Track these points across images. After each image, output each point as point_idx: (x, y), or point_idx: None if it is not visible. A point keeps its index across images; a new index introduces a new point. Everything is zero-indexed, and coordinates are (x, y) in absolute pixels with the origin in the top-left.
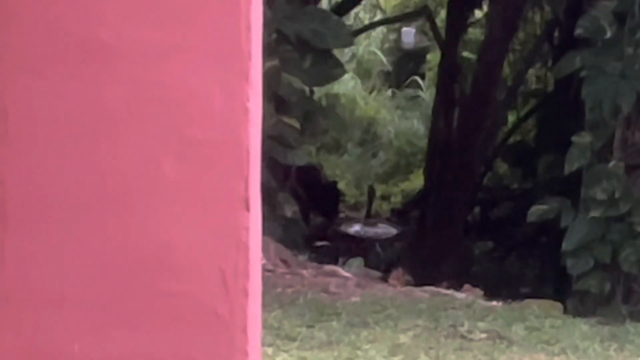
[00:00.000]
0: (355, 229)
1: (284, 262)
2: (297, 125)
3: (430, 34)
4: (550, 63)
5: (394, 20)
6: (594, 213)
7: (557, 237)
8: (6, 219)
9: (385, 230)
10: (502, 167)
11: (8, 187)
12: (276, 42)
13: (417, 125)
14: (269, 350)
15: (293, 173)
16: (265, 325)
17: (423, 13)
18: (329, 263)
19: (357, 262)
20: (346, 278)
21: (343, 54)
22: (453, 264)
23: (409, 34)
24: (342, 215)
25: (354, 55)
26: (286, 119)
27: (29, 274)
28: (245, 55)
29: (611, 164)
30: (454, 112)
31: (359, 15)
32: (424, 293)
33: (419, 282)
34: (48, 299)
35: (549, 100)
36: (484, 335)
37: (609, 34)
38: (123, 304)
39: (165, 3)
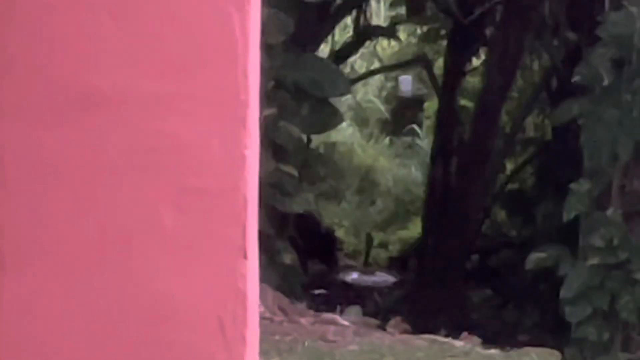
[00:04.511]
0: (353, 277)
1: (282, 310)
2: (294, 172)
3: (428, 81)
4: (548, 110)
5: (391, 68)
6: (592, 260)
7: (555, 285)
8: (4, 267)
9: (383, 278)
10: (500, 214)
11: (6, 236)
12: (274, 90)
13: (415, 173)
14: None
15: (291, 221)
16: None
17: (421, 61)
18: (327, 311)
19: (355, 310)
20: (344, 326)
21: (341, 102)
22: (451, 312)
23: (406, 82)
24: (340, 263)
25: (351, 104)
26: (284, 167)
27: (27, 323)
28: (243, 103)
29: (609, 211)
30: (451, 160)
31: (357, 63)
32: (422, 341)
33: (417, 330)
34: (46, 349)
35: (547, 147)
36: None
37: (606, 82)
38: (120, 353)
39: (163, 53)
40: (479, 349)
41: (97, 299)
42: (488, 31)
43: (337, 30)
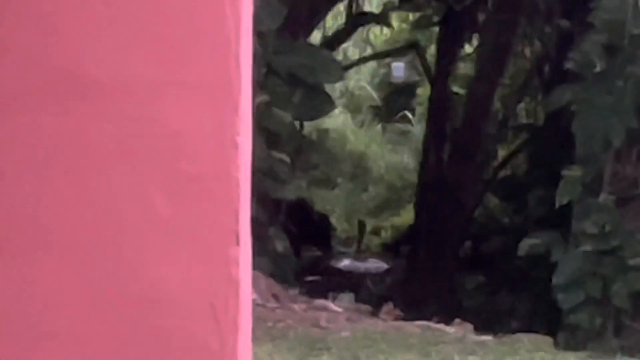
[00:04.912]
0: (345, 263)
1: (275, 296)
2: (287, 159)
3: (421, 68)
4: (540, 97)
5: (384, 55)
6: (585, 247)
7: (548, 271)
8: None
9: (376, 264)
10: (492, 201)
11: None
12: (266, 77)
13: (407, 160)
14: None
15: (284, 207)
16: None
17: (413, 48)
18: (319, 297)
19: (347, 296)
20: (337, 312)
21: (333, 89)
22: (444, 298)
23: (399, 69)
24: (333, 249)
25: (344, 90)
26: (276, 154)
27: (21, 308)
28: (236, 90)
29: (602, 197)
30: (444, 147)
31: (349, 50)
32: (414, 327)
33: (410, 316)
34: (39, 334)
35: (540, 134)
36: None
37: (599, 68)
38: (114, 339)
39: (156, 40)
40: (472, 336)
41: (91, 285)
42: (480, 18)
43: (329, 17)
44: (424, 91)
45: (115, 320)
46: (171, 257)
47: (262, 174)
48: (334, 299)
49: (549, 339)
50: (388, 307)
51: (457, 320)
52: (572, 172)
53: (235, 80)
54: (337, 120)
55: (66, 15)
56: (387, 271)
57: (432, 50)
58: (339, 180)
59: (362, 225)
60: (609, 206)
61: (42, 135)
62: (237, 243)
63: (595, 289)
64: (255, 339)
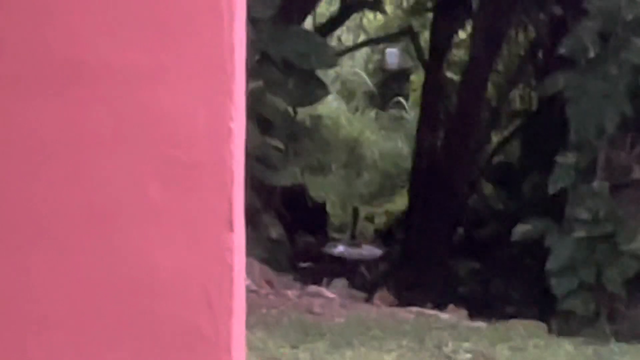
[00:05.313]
0: (339, 250)
1: (269, 283)
2: (281, 146)
3: (414, 54)
4: (534, 83)
5: (377, 41)
6: (579, 233)
7: (541, 257)
8: None
9: (370, 251)
10: (486, 187)
11: None
12: (260, 63)
13: (401, 146)
14: None
15: (278, 194)
16: (250, 346)
17: (407, 34)
18: (313, 284)
19: (341, 283)
20: (331, 299)
21: (327, 75)
22: (438, 285)
23: (392, 55)
24: (327, 236)
25: (337, 76)
26: (270, 140)
27: (13, 295)
28: (229, 76)
29: (595, 183)
30: (438, 133)
31: (343, 36)
32: (408, 314)
33: (404, 302)
34: (33, 320)
35: (533, 120)
36: (468, 356)
37: (592, 54)
38: (108, 325)
39: (149, 25)
40: (466, 322)
41: (84, 271)
42: (474, 4)
43: (323, 3)
44: (417, 77)
45: (109, 306)
46: (165, 244)
47: (255, 160)
48: (327, 285)
49: (542, 325)
50: (382, 293)
51: (451, 306)
52: (566, 159)
53: (229, 67)
54: (330, 106)
55: (61, 2)
56: (381, 257)
57: (426, 36)
58: (333, 166)
59: (356, 211)
60: (603, 192)
61: (32, 121)
62: (231, 229)
63: (589, 275)
64: (249, 325)
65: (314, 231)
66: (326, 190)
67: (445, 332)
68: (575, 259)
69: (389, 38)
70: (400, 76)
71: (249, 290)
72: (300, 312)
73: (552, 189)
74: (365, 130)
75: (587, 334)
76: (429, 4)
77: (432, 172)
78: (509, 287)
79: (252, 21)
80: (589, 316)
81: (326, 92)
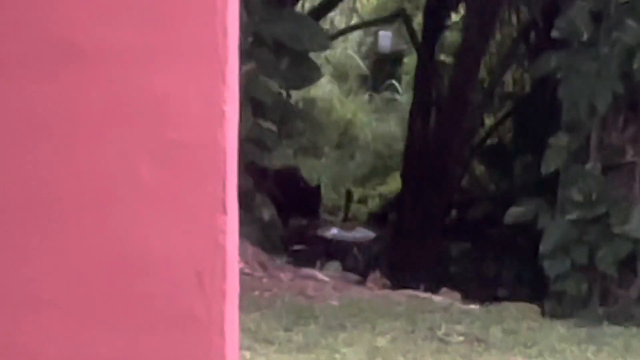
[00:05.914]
0: (332, 232)
1: (262, 265)
2: (274, 128)
3: (407, 37)
4: (526, 65)
5: (370, 24)
6: (571, 214)
7: (534, 239)
8: None
9: (363, 233)
10: (479, 168)
11: None
12: (253, 45)
13: (394, 128)
14: (247, 354)
15: (271, 176)
16: (243, 329)
17: (400, 16)
18: (306, 266)
19: (334, 265)
20: (324, 281)
21: (320, 57)
22: (430, 266)
23: (385, 38)
24: (320, 218)
25: (330, 59)
26: (263, 122)
27: (6, 275)
28: (222, 58)
29: (588, 165)
30: (430, 115)
31: (336, 18)
32: (401, 296)
33: (397, 285)
34: (25, 301)
35: (526, 101)
36: (461, 338)
37: (585, 35)
38: (100, 306)
39: (141, 6)
40: (459, 304)
41: (77, 251)
42: None
43: None
44: (410, 60)
45: (102, 288)
46: (157, 225)
47: (248, 142)
48: (321, 268)
49: (535, 307)
50: (375, 275)
51: (444, 289)
52: (559, 140)
53: (222, 49)
54: (324, 89)
55: None
56: (374, 240)
57: (419, 18)
58: (326, 149)
59: (349, 193)
60: (596, 174)
61: (24, 102)
62: (224, 211)
63: (582, 257)
64: (242, 307)
65: (307, 213)
66: (319, 172)
67: (438, 315)
68: (568, 241)
69: (382, 21)
70: (394, 59)
71: (242, 273)
72: (293, 294)
73: (544, 170)
74: (358, 112)
75: (579, 315)
76: None
77: (425, 154)
78: (501, 268)
79: (246, 3)
80: (582, 297)
81: (319, 74)
